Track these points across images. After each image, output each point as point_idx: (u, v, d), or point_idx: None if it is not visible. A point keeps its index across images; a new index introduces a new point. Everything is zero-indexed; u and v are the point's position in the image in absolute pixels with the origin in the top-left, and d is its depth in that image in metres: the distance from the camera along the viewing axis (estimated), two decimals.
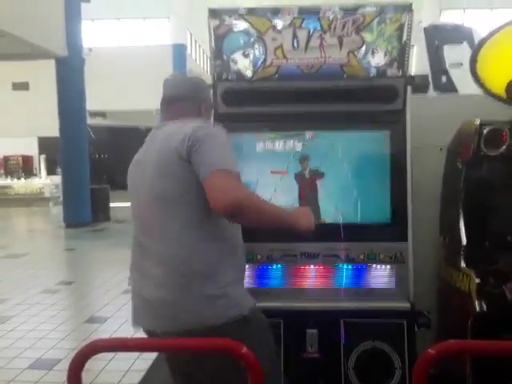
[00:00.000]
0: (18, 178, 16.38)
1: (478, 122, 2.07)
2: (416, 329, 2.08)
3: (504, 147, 2.04)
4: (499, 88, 2.18)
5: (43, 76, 12.43)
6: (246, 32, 2.17)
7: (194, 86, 1.76)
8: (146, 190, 1.59)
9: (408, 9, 2.14)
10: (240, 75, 2.20)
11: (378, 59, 2.19)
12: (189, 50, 18.60)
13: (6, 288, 5.50)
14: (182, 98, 1.71)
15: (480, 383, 1.86)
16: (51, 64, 10.05)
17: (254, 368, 1.23)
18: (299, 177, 2.21)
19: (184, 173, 1.49)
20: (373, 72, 2.19)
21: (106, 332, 3.95)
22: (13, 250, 7.96)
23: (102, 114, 18.10)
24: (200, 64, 19.20)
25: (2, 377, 3.20)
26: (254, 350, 1.24)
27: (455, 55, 3.19)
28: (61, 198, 10.78)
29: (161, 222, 1.54)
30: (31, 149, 18.69)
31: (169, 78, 1.81)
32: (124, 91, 16.40)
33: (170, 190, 1.52)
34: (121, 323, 4.02)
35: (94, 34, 17.60)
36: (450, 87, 2.92)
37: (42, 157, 16.71)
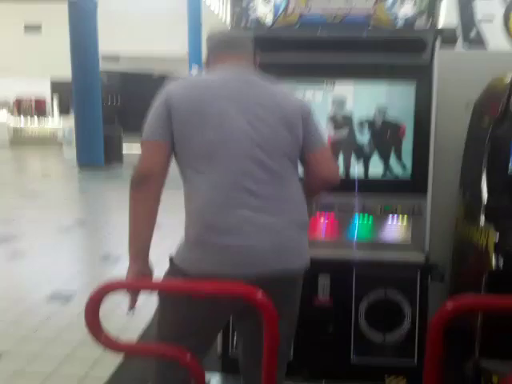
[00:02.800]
0: (31, 118, 16.38)
1: (508, 78, 2.02)
2: (429, 281, 2.12)
3: None
4: None
5: (56, 18, 12.18)
6: None
7: (249, 37, 1.69)
8: (262, 135, 1.48)
9: None
10: (259, 23, 2.14)
11: (406, 10, 2.11)
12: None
13: (20, 226, 5.63)
14: (241, 46, 1.63)
15: (489, 338, 1.91)
16: (64, 7, 9.82)
17: (271, 315, 1.21)
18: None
19: (300, 133, 1.56)
20: (400, 23, 2.11)
21: (118, 269, 4.05)
22: (27, 190, 8.08)
23: (115, 59, 17.80)
24: (215, 11, 18.61)
25: (20, 308, 3.33)
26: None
27: (486, 8, 3.07)
28: (74, 141, 10.81)
29: (275, 170, 1.50)
30: (44, 90, 18.57)
31: (215, 31, 1.70)
32: (137, 35, 16.07)
33: (289, 141, 1.53)
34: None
35: None
36: (479, 42, 2.83)
37: (55, 98, 16.63)
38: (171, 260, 1.52)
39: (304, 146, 1.57)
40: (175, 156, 1.51)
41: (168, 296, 1.54)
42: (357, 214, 2.16)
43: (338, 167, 1.71)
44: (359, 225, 2.18)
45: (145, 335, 2.93)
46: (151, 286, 1.49)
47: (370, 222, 2.18)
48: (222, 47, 1.61)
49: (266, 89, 1.56)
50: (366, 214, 2.17)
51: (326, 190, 1.69)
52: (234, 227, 1.44)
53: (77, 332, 2.89)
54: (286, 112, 1.53)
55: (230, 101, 1.49)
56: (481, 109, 2.24)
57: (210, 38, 1.65)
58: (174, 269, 1.50)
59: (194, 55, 16.97)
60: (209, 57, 1.64)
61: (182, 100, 1.47)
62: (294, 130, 1.53)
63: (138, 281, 1.48)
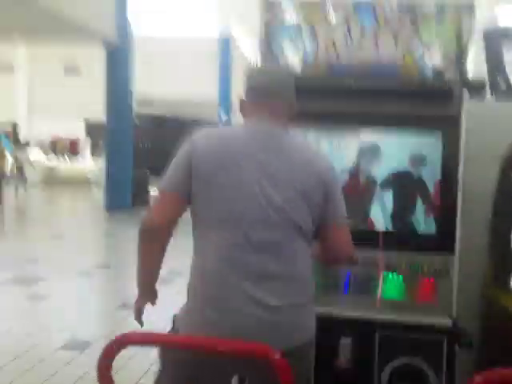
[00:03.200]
0: (64, 159, 16.94)
1: None
2: (457, 348, 1.97)
3: None
4: None
5: (93, 62, 12.78)
6: (297, 26, 2.11)
7: (290, 81, 1.58)
8: (273, 202, 1.41)
9: (469, 9, 2.02)
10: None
11: (434, 61, 2.08)
12: (235, 42, 18.65)
13: (44, 268, 5.68)
14: (278, 95, 1.53)
15: None
16: (102, 51, 10.29)
17: (285, 374, 1.20)
18: (352, 177, 2.13)
19: (318, 203, 1.49)
20: (428, 73, 2.08)
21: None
22: (54, 230, 8.22)
23: (150, 103, 18.46)
24: (245, 55, 19.25)
25: (34, 355, 3.28)
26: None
27: None
28: (103, 183, 11.06)
29: (281, 240, 1.43)
30: (78, 132, 19.29)
31: (261, 68, 1.68)
32: (171, 81, 16.67)
33: (302, 212, 1.45)
34: (153, 311, 4.06)
35: (144, 22, 17.84)
36: (508, 92, 2.76)
37: (88, 140, 17.23)
38: (173, 321, 1.49)
39: (322, 220, 1.50)
40: (190, 211, 1.49)
41: (171, 356, 1.49)
42: (381, 272, 2.06)
43: (352, 245, 1.58)
44: (384, 284, 2.07)
45: None
46: (165, 341, 1.45)
47: (394, 281, 2.07)
48: (258, 96, 1.53)
49: (292, 152, 1.49)
50: (390, 273, 2.06)
51: (339, 265, 1.67)
52: (233, 304, 1.39)
53: (91, 382, 2.82)
54: (307, 184, 1.46)
55: (251, 161, 1.43)
56: (509, 164, 2.14)
57: (248, 80, 1.56)
58: (175, 330, 1.48)
59: (224, 99, 17.46)
60: (243, 102, 1.57)
61: (205, 155, 1.43)
62: (311, 203, 1.46)
63: (152, 335, 1.44)
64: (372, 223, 2.14)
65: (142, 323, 1.57)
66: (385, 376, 2.00)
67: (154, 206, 1.48)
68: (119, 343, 1.27)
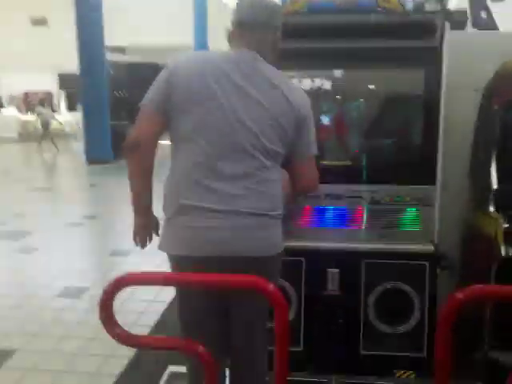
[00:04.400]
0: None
1: None
2: (438, 271, 2.08)
3: None
4: None
5: (61, 11, 12.16)
6: None
7: (273, 11, 1.62)
8: (251, 118, 1.51)
9: None
10: None
11: None
12: None
13: (30, 221, 5.67)
14: (260, 26, 1.59)
15: (498, 329, 1.88)
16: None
17: (280, 304, 1.25)
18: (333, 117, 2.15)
19: (291, 134, 1.58)
20: (409, 6, 2.06)
21: (129, 264, 4.08)
22: (37, 184, 8.13)
23: (122, 50, 17.78)
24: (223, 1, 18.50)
25: (32, 304, 3.36)
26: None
27: None
28: (82, 135, 10.86)
29: (253, 154, 1.52)
30: (51, 85, 18.62)
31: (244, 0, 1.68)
32: (143, 26, 16.01)
33: (272, 139, 1.54)
34: (143, 257, 4.13)
35: None
36: (490, 24, 2.75)
37: (62, 93, 16.69)
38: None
39: (291, 151, 1.60)
40: (169, 131, 1.58)
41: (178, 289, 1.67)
42: (366, 204, 2.13)
43: (317, 178, 1.69)
44: (368, 215, 2.15)
45: (157, 329, 2.94)
46: (162, 279, 1.50)
47: (379, 213, 2.14)
48: (244, 27, 1.59)
49: (270, 82, 1.54)
50: (375, 204, 2.13)
51: (301, 195, 1.78)
52: (199, 209, 1.51)
53: (88, 328, 2.91)
54: (279, 113, 1.53)
55: (228, 82, 1.51)
56: (491, 93, 2.18)
57: (235, 11, 1.63)
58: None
59: (200, 44, 16.89)
60: (230, 33, 1.64)
61: (184, 72, 1.51)
62: (282, 132, 1.55)
63: (150, 274, 1.48)
64: (357, 159, 2.19)
65: (137, 244, 1.69)
66: (371, 301, 2.12)
67: (136, 124, 1.55)
68: (119, 283, 1.29)
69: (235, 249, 1.51)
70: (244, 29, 1.59)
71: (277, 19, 1.62)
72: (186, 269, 1.52)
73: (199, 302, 1.62)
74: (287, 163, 1.63)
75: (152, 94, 1.54)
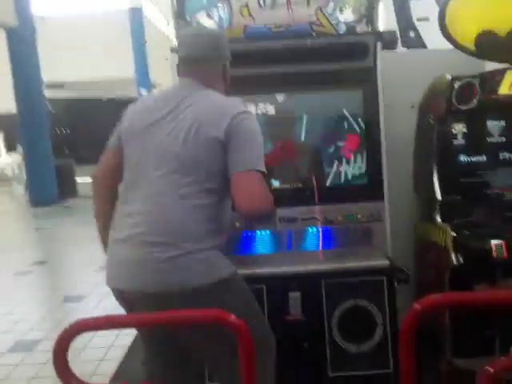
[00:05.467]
0: None
1: (449, 76, 2.07)
2: (396, 284, 2.12)
3: (475, 101, 2.04)
4: (469, 42, 2.17)
5: None
6: None
7: (218, 43, 1.63)
8: (164, 148, 1.51)
9: None
10: None
11: (346, 16, 2.14)
12: (146, 13, 17.91)
13: None
14: (205, 59, 1.60)
15: (458, 336, 1.92)
16: (1, 35, 9.52)
17: (243, 335, 1.22)
18: (276, 142, 2.17)
19: (215, 151, 1.48)
20: (342, 29, 2.14)
21: (83, 311, 3.89)
22: None
23: (60, 86, 17.40)
24: (158, 28, 18.57)
25: None
26: (238, 309, 1.26)
27: (422, 9, 3.16)
28: (24, 177, 10.44)
29: (165, 183, 1.49)
30: None
31: (187, 33, 1.71)
32: (81, 60, 15.77)
33: (194, 158, 1.48)
34: (98, 301, 3.98)
35: (46, 4, 16.66)
36: (418, 42, 2.90)
37: (0, 135, 16.07)
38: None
39: (226, 169, 1.48)
40: None
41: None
42: (319, 225, 2.15)
43: (259, 195, 1.45)
44: (323, 237, 2.17)
45: (117, 376, 2.81)
46: (117, 322, 1.45)
47: (333, 233, 2.17)
48: (184, 61, 1.64)
49: (196, 104, 1.54)
50: (328, 225, 2.15)
51: (254, 221, 1.72)
52: (120, 241, 1.52)
53: (44, 382, 2.74)
54: (202, 131, 1.48)
55: (154, 117, 1.56)
56: (426, 107, 2.28)
57: (178, 46, 1.69)
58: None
59: (142, 76, 16.83)
60: (177, 67, 1.68)
61: (127, 117, 1.64)
62: (203, 150, 1.47)
63: (102, 319, 1.41)
64: (307, 181, 2.22)
65: None
66: (334, 321, 2.12)
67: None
68: (71, 332, 1.24)
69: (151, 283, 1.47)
70: (190, 62, 1.61)
71: (223, 49, 1.64)
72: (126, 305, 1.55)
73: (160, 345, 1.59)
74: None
75: (110, 139, 1.69)
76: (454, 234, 1.92)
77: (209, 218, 1.50)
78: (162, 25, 18.52)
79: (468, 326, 1.82)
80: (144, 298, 1.46)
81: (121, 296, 1.54)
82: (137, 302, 1.48)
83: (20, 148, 10.95)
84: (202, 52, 1.60)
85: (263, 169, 1.48)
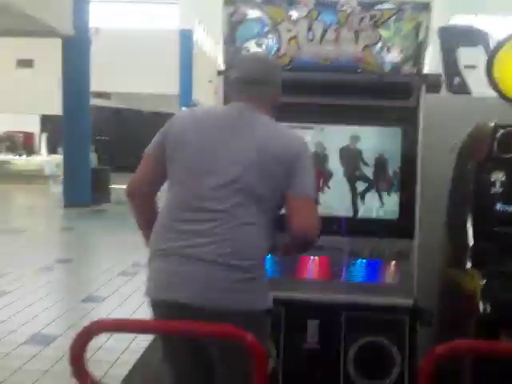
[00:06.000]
0: (20, 155, 16.33)
1: (493, 123, 2.07)
2: (418, 326, 2.09)
3: None
4: None
5: (48, 54, 12.35)
6: (260, 21, 2.15)
7: (275, 69, 1.70)
8: (227, 171, 1.52)
9: (426, 7, 2.13)
10: None
11: (393, 56, 2.18)
12: (195, 36, 18.48)
13: (3, 263, 5.50)
14: (263, 82, 1.64)
15: (479, 379, 1.87)
16: (57, 42, 9.99)
17: (259, 355, 1.24)
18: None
19: (278, 178, 1.55)
20: (387, 68, 2.18)
21: (102, 312, 3.95)
22: (11, 225, 7.96)
23: (107, 96, 18.00)
24: (206, 51, 19.11)
25: None
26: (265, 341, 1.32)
27: (469, 57, 3.18)
28: (61, 177, 10.76)
29: (240, 205, 1.52)
30: (33, 126, 18.61)
31: (246, 56, 1.78)
32: (129, 73, 16.31)
33: (259, 186, 1.53)
34: (118, 304, 4.03)
35: (102, 15, 17.40)
36: (463, 88, 2.91)
37: (44, 134, 16.66)
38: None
39: (285, 193, 1.56)
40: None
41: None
42: (346, 257, 2.15)
43: (315, 223, 1.55)
44: (348, 268, 2.17)
45: (128, 380, 2.83)
46: (137, 326, 1.48)
47: (359, 266, 2.17)
48: (240, 82, 1.65)
49: (257, 129, 1.58)
50: (354, 258, 2.16)
51: (299, 246, 1.64)
52: (171, 253, 1.51)
53: (56, 377, 2.78)
54: (265, 156, 1.53)
55: (211, 138, 1.57)
56: (466, 152, 2.28)
57: (236, 67, 1.72)
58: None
59: (185, 95, 17.27)
60: (228, 88, 1.74)
61: (177, 128, 1.61)
62: (266, 173, 1.53)
63: (122, 321, 1.47)
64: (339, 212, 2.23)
65: None
66: (351, 354, 2.10)
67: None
68: (92, 330, 1.27)
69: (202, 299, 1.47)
70: (242, 84, 1.65)
71: (276, 75, 1.69)
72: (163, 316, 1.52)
73: (182, 353, 1.59)
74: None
75: (150, 145, 1.65)
76: (484, 282, 1.89)
77: (268, 241, 1.59)
78: (209, 48, 19.06)
79: (489, 372, 1.77)
80: (191, 313, 1.44)
81: (168, 310, 1.51)
82: (178, 316, 1.45)
83: (61, 150, 11.31)
84: (257, 74, 1.64)
85: (317, 196, 1.64)
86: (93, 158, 12.21)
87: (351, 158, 2.20)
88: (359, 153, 2.20)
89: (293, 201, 1.55)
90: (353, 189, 2.20)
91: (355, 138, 2.19)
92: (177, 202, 1.56)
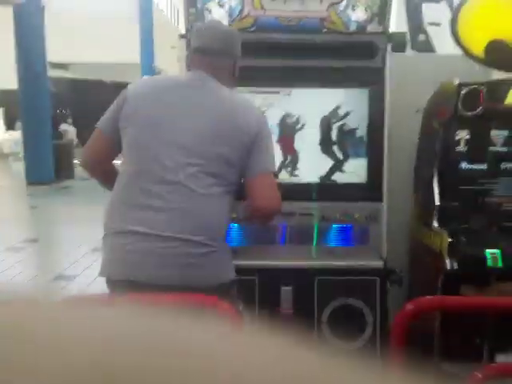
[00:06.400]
0: None
1: (456, 82, 2.07)
2: (388, 286, 2.13)
3: (480, 108, 2.04)
4: (478, 49, 2.16)
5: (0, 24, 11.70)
6: None
7: (233, 39, 1.66)
8: (184, 142, 1.49)
9: None
10: None
11: (358, 14, 2.13)
12: (155, 1, 17.85)
13: None
14: (219, 52, 1.61)
15: (448, 341, 1.93)
16: (8, 12, 9.44)
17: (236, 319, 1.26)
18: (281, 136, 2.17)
19: (236, 151, 1.53)
20: (353, 27, 2.13)
21: (74, 290, 3.90)
22: None
23: (64, 67, 17.32)
24: (167, 15, 18.51)
25: None
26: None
27: (433, 14, 3.16)
28: (21, 154, 10.39)
29: (189, 179, 1.48)
30: None
31: (203, 25, 1.72)
32: (87, 43, 15.69)
33: (216, 157, 1.50)
34: (90, 281, 3.98)
35: None
36: (427, 46, 2.90)
37: (0, 110, 15.97)
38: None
39: (243, 170, 1.55)
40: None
41: None
42: (316, 222, 2.15)
43: (276, 198, 1.56)
44: (318, 233, 2.17)
45: None
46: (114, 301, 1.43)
47: (330, 231, 2.17)
48: (200, 52, 1.62)
49: (217, 101, 1.55)
50: (325, 223, 2.16)
51: (261, 220, 1.66)
52: (126, 230, 1.47)
53: None
54: (225, 128, 1.52)
55: (170, 106, 1.53)
56: (431, 112, 2.28)
57: (194, 37, 1.67)
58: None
59: (146, 62, 16.77)
60: (188, 57, 1.68)
61: (130, 100, 1.54)
62: (226, 148, 1.51)
63: (98, 297, 1.43)
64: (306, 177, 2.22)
65: None
66: (324, 316, 2.13)
67: (86, 143, 1.63)
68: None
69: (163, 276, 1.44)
70: (202, 54, 1.61)
71: (236, 47, 1.65)
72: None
73: None
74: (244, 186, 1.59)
75: (103, 116, 1.60)
76: (450, 240, 1.92)
77: (227, 213, 1.57)
78: (169, 12, 18.46)
79: (457, 331, 1.83)
80: (150, 291, 1.39)
81: (129, 288, 1.47)
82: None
83: (19, 125, 10.87)
84: (218, 45, 1.61)
85: (276, 170, 1.62)
86: (72, 132, 11.82)
87: (320, 122, 2.17)
88: (327, 117, 2.17)
89: (252, 180, 1.55)
90: (321, 154, 2.19)
91: (323, 103, 2.16)
92: (131, 176, 1.52)
